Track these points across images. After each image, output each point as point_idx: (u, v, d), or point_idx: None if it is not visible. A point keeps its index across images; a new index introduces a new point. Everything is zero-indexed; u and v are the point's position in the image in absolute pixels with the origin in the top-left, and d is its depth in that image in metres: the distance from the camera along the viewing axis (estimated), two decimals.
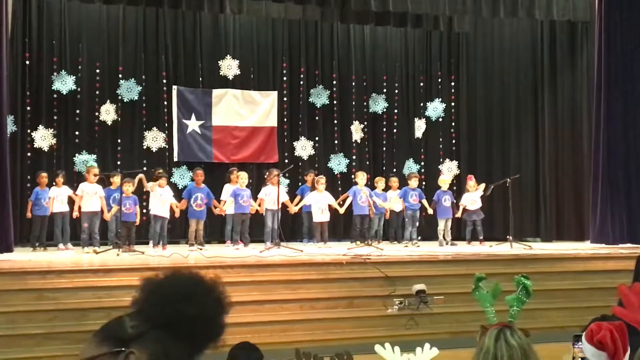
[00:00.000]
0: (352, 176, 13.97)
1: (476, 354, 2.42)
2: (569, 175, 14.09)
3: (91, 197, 11.68)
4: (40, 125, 13.14)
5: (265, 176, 12.95)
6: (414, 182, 13.36)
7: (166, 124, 13.91)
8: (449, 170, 15.10)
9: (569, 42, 14.18)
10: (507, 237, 12.25)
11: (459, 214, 13.33)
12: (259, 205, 12.48)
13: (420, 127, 15.36)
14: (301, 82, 14.90)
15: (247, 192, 12.39)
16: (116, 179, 11.97)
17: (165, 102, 13.91)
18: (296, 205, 13.09)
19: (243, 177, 12.42)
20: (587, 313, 5.93)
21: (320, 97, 14.88)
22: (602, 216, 12.03)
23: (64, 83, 13.24)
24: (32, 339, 7.45)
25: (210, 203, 12.33)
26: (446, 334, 8.13)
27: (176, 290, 1.63)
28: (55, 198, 11.80)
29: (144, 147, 13.75)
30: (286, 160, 14.34)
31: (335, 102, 14.99)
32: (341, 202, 13.16)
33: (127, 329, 1.56)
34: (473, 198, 13.19)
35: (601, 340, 2.89)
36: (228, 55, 14.29)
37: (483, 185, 13.19)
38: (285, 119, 14.71)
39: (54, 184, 12.10)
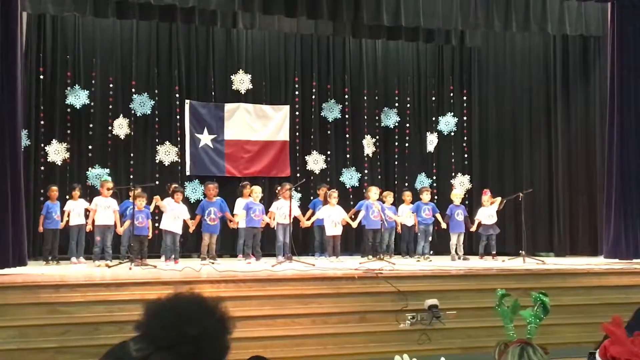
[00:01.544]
0: (364, 190, 13.95)
1: None
2: (582, 189, 14.02)
3: (104, 210, 11.72)
4: (53, 140, 13.22)
5: (277, 190, 12.96)
6: (426, 196, 13.35)
7: (178, 138, 13.97)
8: (461, 184, 15.07)
9: (581, 56, 14.14)
10: (520, 251, 12.18)
11: (473, 228, 13.29)
12: (270, 218, 12.49)
13: (432, 141, 15.36)
14: (313, 96, 14.93)
15: (259, 206, 12.40)
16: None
17: (178, 116, 13.97)
18: (308, 219, 13.08)
19: (257, 191, 12.44)
20: (601, 329, 5.87)
21: (332, 111, 14.91)
22: (616, 231, 11.94)
23: (78, 97, 13.33)
24: (45, 353, 7.44)
25: (224, 214, 12.32)
26: (459, 349, 8.08)
27: (179, 312, 1.65)
28: (72, 211, 11.92)
29: (157, 161, 13.81)
30: (298, 175, 14.37)
31: (347, 116, 15.02)
32: (352, 217, 13.16)
33: (132, 352, 1.58)
34: (489, 213, 13.14)
35: (615, 356, 2.86)
36: (240, 70, 14.36)
37: (499, 199, 13.15)
38: (297, 133, 14.74)
39: (68, 197, 12.20)
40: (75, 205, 12.00)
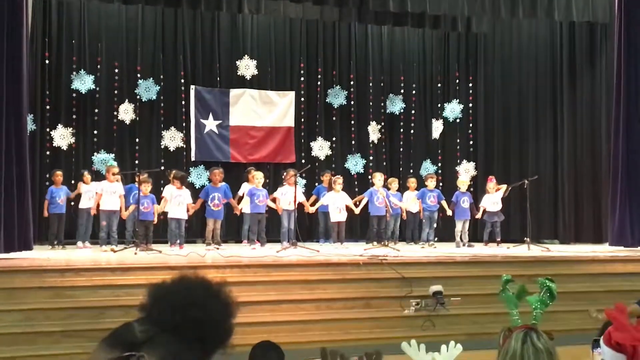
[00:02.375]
0: (369, 177, 13.95)
1: (502, 357, 2.42)
2: (587, 176, 14.00)
3: (110, 195, 11.74)
4: (59, 124, 13.24)
5: (283, 176, 12.96)
6: (431, 183, 13.34)
7: (184, 124, 13.97)
8: (466, 171, 15.06)
9: (588, 43, 14.08)
10: (525, 239, 12.19)
11: (479, 215, 13.29)
12: (275, 203, 12.50)
13: (437, 128, 15.34)
14: (318, 83, 14.91)
15: (263, 192, 12.39)
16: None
17: (183, 102, 13.97)
18: (312, 205, 13.08)
19: (258, 177, 12.41)
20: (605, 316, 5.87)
21: (337, 97, 14.89)
22: (621, 218, 11.92)
23: (83, 82, 13.33)
24: (50, 337, 7.48)
25: (229, 201, 12.34)
26: (463, 335, 8.07)
27: (184, 294, 1.64)
28: (83, 194, 11.97)
29: (162, 147, 13.83)
30: (303, 161, 14.37)
31: (352, 102, 15.00)
32: (357, 203, 13.16)
33: (137, 334, 1.57)
34: (494, 200, 13.14)
35: (619, 342, 2.87)
36: (246, 56, 14.33)
37: (504, 187, 13.14)
38: (302, 119, 14.73)
39: (74, 182, 12.26)
40: (88, 189, 12.02)
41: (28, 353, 7.20)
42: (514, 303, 2.73)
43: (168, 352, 1.56)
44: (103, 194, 11.73)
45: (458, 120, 15.39)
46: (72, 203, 12.40)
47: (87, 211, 11.94)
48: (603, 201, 13.29)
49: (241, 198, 12.55)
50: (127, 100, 13.64)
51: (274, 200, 12.58)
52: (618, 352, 2.87)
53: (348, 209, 12.90)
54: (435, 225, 13.36)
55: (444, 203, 13.26)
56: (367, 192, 13.18)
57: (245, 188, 12.63)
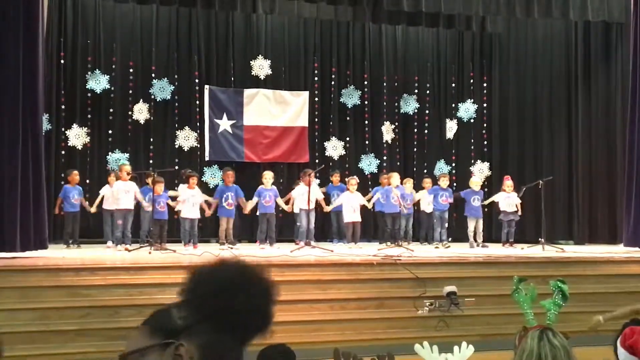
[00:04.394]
0: (378, 177, 14.00)
1: (518, 356, 2.42)
2: (602, 177, 13.91)
3: (124, 195, 11.79)
4: (74, 124, 13.31)
5: (300, 176, 12.97)
6: (443, 183, 13.32)
7: (198, 124, 14.00)
8: (480, 171, 15.02)
9: (603, 43, 13.99)
10: (539, 239, 12.14)
11: (486, 202, 13.38)
12: (289, 203, 12.51)
13: (451, 128, 15.30)
14: (332, 82, 14.91)
15: (270, 191, 12.35)
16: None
17: (197, 102, 14.00)
18: (328, 205, 13.08)
19: (267, 176, 12.37)
20: (618, 320, 5.85)
21: (351, 97, 14.88)
22: (636, 219, 11.84)
23: (98, 82, 13.39)
24: (65, 335, 7.53)
25: (238, 200, 12.37)
26: (477, 336, 8.06)
27: (224, 281, 1.60)
28: (108, 195, 12.02)
29: (176, 146, 13.87)
30: (317, 161, 14.36)
31: (366, 102, 14.99)
32: (369, 199, 13.21)
33: (176, 320, 1.55)
34: (511, 201, 13.07)
35: (632, 345, 2.87)
36: (260, 55, 14.35)
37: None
38: (316, 119, 14.74)
39: (89, 181, 12.34)
40: (113, 189, 12.00)
41: (43, 351, 7.25)
42: (527, 303, 2.73)
43: (207, 341, 1.54)
44: (118, 193, 11.77)
45: (472, 120, 15.35)
46: (87, 203, 12.50)
47: (111, 212, 11.97)
48: (618, 202, 13.22)
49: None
50: (141, 100, 13.69)
51: (287, 201, 12.59)
52: (631, 355, 2.88)
53: (362, 208, 12.90)
54: (447, 225, 13.33)
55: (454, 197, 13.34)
56: (382, 190, 13.17)
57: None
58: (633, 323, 4.61)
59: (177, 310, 1.58)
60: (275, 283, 1.68)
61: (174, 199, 12.22)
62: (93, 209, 12.15)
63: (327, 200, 13.19)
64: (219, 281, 1.60)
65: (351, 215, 12.67)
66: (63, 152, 13.28)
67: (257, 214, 12.49)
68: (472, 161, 15.25)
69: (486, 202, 13.40)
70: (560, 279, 2.74)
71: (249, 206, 12.32)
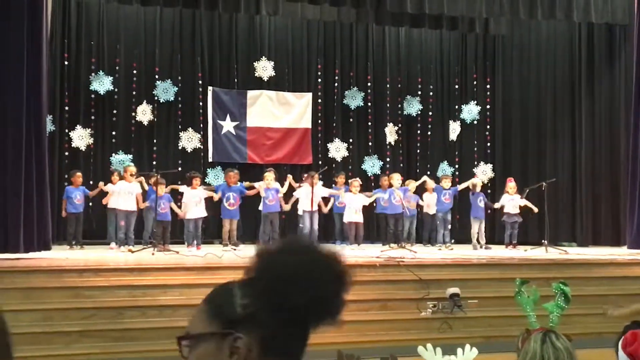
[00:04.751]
0: (379, 179, 14.01)
1: (521, 359, 2.42)
2: (605, 179, 13.90)
3: (127, 196, 11.80)
4: (78, 125, 13.33)
5: (303, 177, 12.98)
6: (446, 184, 13.33)
7: (201, 125, 14.02)
8: (483, 173, 15.01)
9: (607, 45, 13.98)
10: (543, 241, 12.13)
11: (497, 205, 13.29)
12: (288, 203, 12.54)
13: (454, 129, 15.30)
14: (336, 84, 14.91)
15: (273, 190, 12.34)
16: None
17: (201, 103, 14.02)
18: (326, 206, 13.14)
19: (269, 177, 12.38)
20: (624, 320, 5.85)
21: (354, 98, 14.89)
22: None
23: (102, 83, 13.41)
24: (69, 337, 7.53)
25: (244, 192, 12.44)
26: (480, 338, 8.06)
27: (295, 267, 1.44)
28: (112, 195, 11.99)
29: (179, 148, 13.87)
30: (320, 162, 14.37)
31: (369, 104, 14.99)
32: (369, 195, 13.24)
33: (237, 308, 1.42)
34: (515, 203, 13.06)
35: (632, 354, 2.89)
36: (263, 57, 14.36)
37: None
38: (319, 121, 14.74)
39: (92, 182, 12.36)
40: (115, 189, 12.00)
41: (46, 353, 7.25)
42: (530, 306, 2.74)
43: (270, 334, 1.42)
44: (120, 194, 11.78)
45: (475, 122, 15.35)
46: (91, 204, 12.52)
47: (115, 212, 11.98)
48: (621, 203, 13.20)
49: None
50: (145, 101, 13.70)
51: (290, 201, 12.62)
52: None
53: (365, 210, 12.90)
54: (449, 226, 13.34)
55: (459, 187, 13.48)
56: (385, 192, 13.17)
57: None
58: (635, 325, 4.61)
59: (240, 291, 1.45)
60: (348, 266, 1.53)
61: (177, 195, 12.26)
62: (92, 193, 12.26)
63: (328, 201, 13.24)
64: (294, 265, 1.44)
65: (352, 215, 12.68)
66: (67, 154, 13.29)
67: (260, 209, 12.50)
68: (476, 163, 15.24)
69: (496, 206, 13.35)
70: (562, 281, 2.75)
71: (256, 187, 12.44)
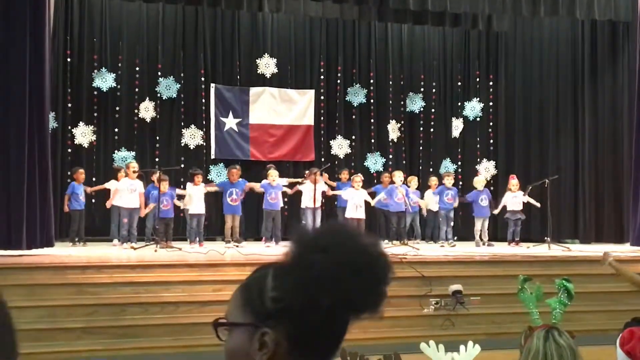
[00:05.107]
0: (381, 176, 14.00)
1: (524, 356, 2.42)
2: (608, 176, 13.89)
3: (130, 193, 11.81)
4: (80, 122, 13.34)
5: (306, 174, 12.98)
6: (448, 182, 13.30)
7: (204, 122, 14.02)
8: (486, 170, 14.99)
9: (610, 41, 13.97)
10: (545, 238, 12.13)
11: (496, 211, 13.23)
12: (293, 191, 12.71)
13: (457, 126, 15.28)
14: (338, 81, 14.90)
15: (276, 188, 12.35)
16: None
17: (204, 100, 14.02)
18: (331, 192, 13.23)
19: (273, 174, 12.39)
20: (627, 316, 5.85)
21: (357, 95, 14.88)
22: None
23: (104, 80, 13.42)
24: (72, 333, 7.55)
25: (246, 188, 12.49)
26: (483, 335, 8.06)
27: (332, 262, 1.32)
28: (116, 192, 12.00)
29: (182, 145, 13.88)
30: (322, 159, 14.37)
31: (372, 100, 14.98)
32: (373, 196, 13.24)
33: (267, 301, 1.35)
34: (517, 200, 13.04)
35: (630, 352, 2.89)
36: (266, 54, 14.35)
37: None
38: (322, 118, 14.73)
39: (95, 180, 12.40)
40: (119, 186, 12.00)
41: (49, 349, 7.27)
42: (533, 303, 2.74)
43: (299, 334, 1.34)
44: (123, 191, 11.79)
45: (478, 119, 15.33)
46: (93, 200, 12.54)
47: (118, 209, 11.98)
48: (624, 200, 13.18)
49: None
50: (147, 98, 13.71)
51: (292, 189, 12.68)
52: (629, 358, 2.90)
53: (366, 206, 12.89)
54: (452, 223, 13.33)
55: (460, 199, 13.35)
56: (386, 190, 13.15)
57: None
58: (634, 323, 4.62)
59: (273, 282, 1.37)
60: (390, 256, 1.44)
61: (181, 197, 12.26)
62: (89, 190, 12.32)
63: (331, 201, 13.26)
64: (331, 260, 1.33)
65: (353, 212, 12.65)
66: (69, 150, 13.31)
67: (263, 207, 12.50)
68: (478, 160, 15.22)
69: (498, 210, 13.30)
70: (565, 278, 2.75)
71: (256, 188, 12.47)
